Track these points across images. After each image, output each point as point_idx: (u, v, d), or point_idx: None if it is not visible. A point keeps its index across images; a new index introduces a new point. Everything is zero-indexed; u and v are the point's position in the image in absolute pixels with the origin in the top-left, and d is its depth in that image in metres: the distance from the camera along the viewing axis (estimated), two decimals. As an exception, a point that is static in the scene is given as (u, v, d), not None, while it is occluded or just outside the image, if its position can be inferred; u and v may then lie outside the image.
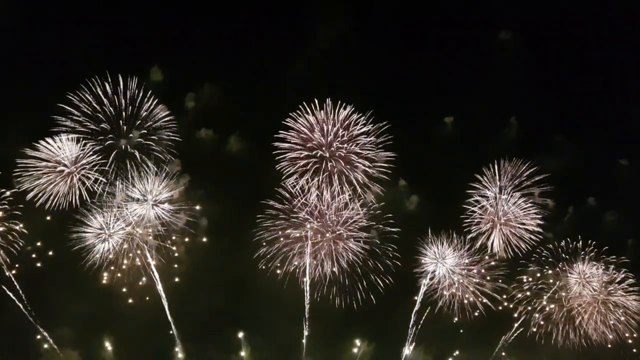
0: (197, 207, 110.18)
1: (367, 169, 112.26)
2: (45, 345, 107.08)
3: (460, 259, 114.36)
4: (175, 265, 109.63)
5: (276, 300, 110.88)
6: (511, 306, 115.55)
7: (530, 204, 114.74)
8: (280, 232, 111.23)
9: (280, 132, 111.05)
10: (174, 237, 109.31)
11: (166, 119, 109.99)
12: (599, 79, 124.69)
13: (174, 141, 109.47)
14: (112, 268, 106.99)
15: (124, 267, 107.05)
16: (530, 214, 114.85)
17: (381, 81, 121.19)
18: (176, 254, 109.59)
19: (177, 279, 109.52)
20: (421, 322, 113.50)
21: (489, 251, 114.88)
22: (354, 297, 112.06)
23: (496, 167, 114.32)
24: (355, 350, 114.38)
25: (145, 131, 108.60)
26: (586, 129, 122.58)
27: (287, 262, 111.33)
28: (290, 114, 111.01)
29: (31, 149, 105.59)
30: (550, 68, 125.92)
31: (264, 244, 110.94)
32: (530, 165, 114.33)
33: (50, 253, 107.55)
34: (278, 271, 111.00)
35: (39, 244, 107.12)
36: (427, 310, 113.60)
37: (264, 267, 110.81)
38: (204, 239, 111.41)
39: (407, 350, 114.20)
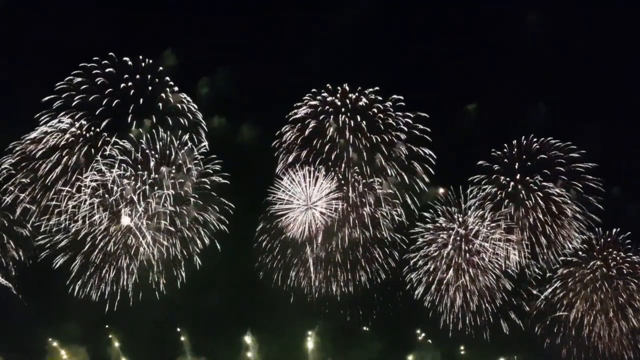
0: (208, 201, 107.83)
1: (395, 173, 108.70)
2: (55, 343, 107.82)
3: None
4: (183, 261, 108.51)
5: (284, 298, 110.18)
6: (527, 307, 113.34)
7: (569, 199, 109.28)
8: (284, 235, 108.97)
9: (285, 127, 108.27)
10: (183, 231, 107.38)
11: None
12: (626, 67, 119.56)
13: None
14: (119, 264, 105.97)
15: (132, 263, 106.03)
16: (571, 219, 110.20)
17: (404, 66, 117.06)
18: (187, 249, 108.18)
19: (185, 275, 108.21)
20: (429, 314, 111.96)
21: (504, 265, 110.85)
22: (370, 315, 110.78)
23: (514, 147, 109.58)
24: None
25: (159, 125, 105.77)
26: (611, 118, 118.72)
27: (292, 269, 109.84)
28: (296, 104, 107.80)
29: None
30: (576, 54, 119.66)
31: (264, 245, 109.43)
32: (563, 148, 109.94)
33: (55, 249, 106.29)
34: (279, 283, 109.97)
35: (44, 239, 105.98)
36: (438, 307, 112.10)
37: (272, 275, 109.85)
38: (213, 236, 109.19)
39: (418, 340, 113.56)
